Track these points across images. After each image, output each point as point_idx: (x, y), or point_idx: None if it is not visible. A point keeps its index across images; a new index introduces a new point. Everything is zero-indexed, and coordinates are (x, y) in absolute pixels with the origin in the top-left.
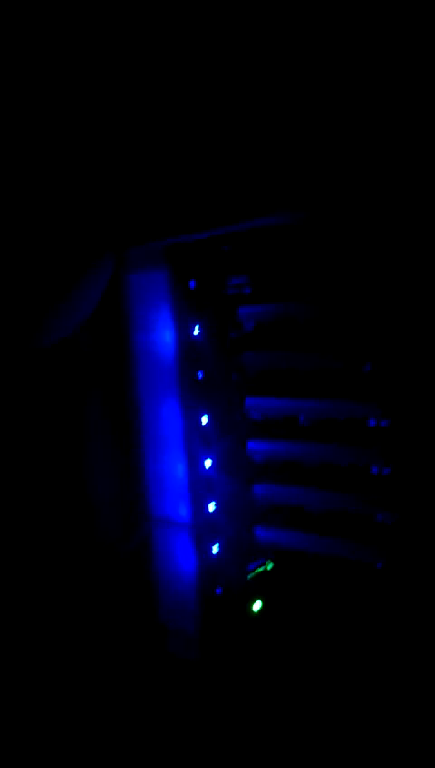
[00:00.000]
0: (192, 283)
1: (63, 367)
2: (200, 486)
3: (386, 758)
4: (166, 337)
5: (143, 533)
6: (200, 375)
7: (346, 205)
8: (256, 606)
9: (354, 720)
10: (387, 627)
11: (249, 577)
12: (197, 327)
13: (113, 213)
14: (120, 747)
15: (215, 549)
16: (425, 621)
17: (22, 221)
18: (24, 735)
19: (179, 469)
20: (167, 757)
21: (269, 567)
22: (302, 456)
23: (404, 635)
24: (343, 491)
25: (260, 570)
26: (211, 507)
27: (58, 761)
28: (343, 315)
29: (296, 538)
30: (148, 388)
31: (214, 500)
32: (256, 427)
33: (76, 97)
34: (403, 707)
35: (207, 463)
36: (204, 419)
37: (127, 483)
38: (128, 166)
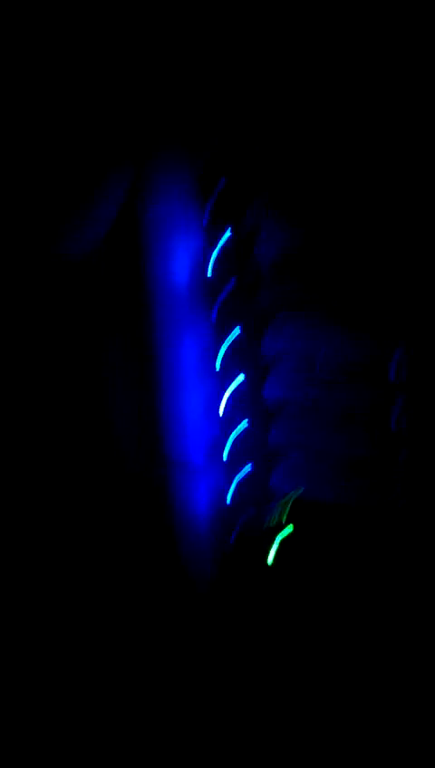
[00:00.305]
0: (222, 182)
1: (82, 294)
2: (214, 431)
3: (389, 722)
4: (192, 245)
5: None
6: (231, 286)
7: None
8: (272, 553)
9: (359, 677)
10: (398, 581)
11: (265, 526)
12: (228, 230)
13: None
14: (135, 678)
15: (229, 496)
16: None
17: (38, 124)
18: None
19: (195, 414)
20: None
21: (283, 519)
22: (317, 401)
23: (415, 592)
24: (361, 436)
25: (275, 518)
26: (226, 453)
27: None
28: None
29: (312, 484)
30: (165, 322)
31: (231, 445)
32: (274, 371)
33: None
34: (413, 672)
35: (222, 407)
36: (217, 363)
37: (143, 426)
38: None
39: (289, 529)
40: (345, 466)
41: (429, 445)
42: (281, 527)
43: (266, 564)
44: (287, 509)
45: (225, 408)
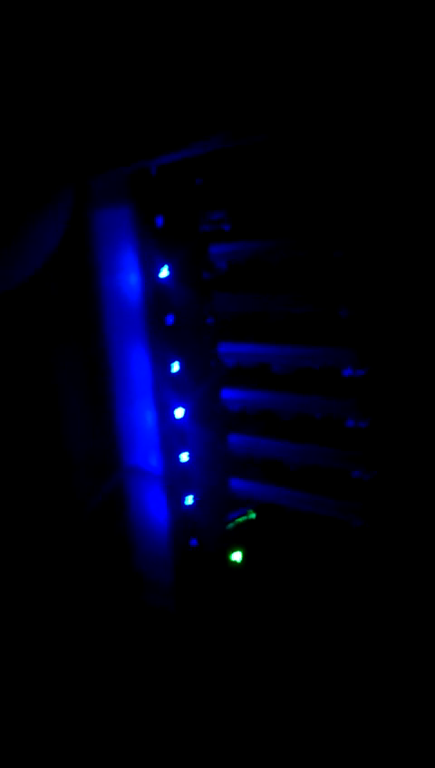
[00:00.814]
0: (159, 220)
1: (31, 311)
2: (172, 436)
3: (360, 719)
4: (131, 279)
5: (115, 482)
6: (170, 320)
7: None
8: (237, 556)
9: (329, 678)
10: (365, 584)
11: (230, 526)
12: (165, 268)
13: (71, 140)
14: (96, 699)
15: (189, 500)
16: (403, 582)
17: None
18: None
19: (149, 418)
20: (139, 710)
21: (252, 516)
22: (276, 406)
23: (382, 593)
24: (319, 444)
25: (242, 519)
26: (184, 457)
27: (33, 709)
28: (321, 255)
29: (272, 492)
30: (116, 333)
31: (187, 450)
32: (231, 375)
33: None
34: (378, 667)
35: (179, 411)
36: (175, 366)
37: (100, 431)
38: (86, 89)
39: (251, 515)
40: (304, 476)
41: (387, 455)
42: (242, 528)
43: (229, 566)
44: (248, 515)
45: (178, 420)
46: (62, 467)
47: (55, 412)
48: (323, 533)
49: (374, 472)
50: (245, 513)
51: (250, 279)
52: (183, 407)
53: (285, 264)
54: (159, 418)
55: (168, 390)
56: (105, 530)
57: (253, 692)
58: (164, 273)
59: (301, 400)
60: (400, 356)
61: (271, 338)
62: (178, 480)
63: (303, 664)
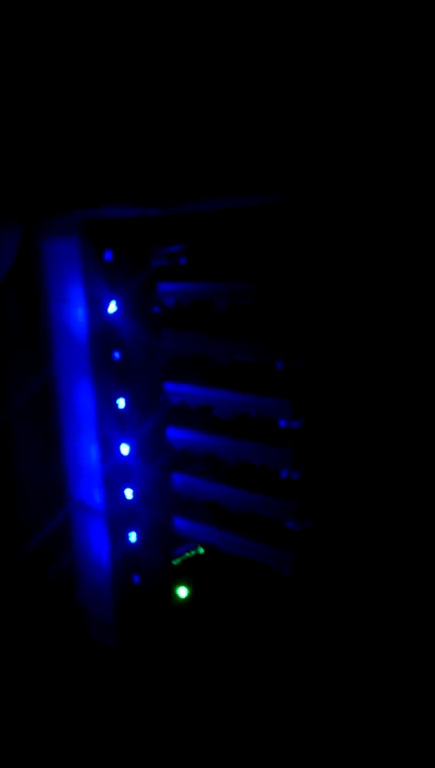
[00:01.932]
0: (108, 255)
1: None
2: (116, 472)
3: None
4: (78, 314)
5: (62, 516)
6: (117, 356)
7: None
8: (183, 592)
9: (272, 714)
10: (301, 626)
11: (175, 562)
12: (113, 303)
13: (20, 180)
14: (33, 737)
15: (132, 536)
16: (334, 627)
17: None
18: None
19: (93, 453)
20: (77, 748)
21: (201, 551)
22: (217, 449)
23: (318, 635)
24: (255, 492)
25: (190, 554)
26: (128, 494)
27: None
28: (266, 305)
29: (211, 534)
30: (64, 366)
31: (131, 487)
32: (176, 414)
33: None
34: (318, 705)
35: (124, 448)
36: (121, 402)
37: (49, 462)
38: (40, 131)
39: (200, 550)
40: (241, 521)
41: (320, 508)
42: (189, 563)
43: (174, 602)
44: (197, 550)
45: (123, 456)
46: (8, 497)
47: (4, 440)
48: (259, 577)
49: (307, 523)
50: (192, 548)
51: (197, 320)
52: (128, 443)
53: (230, 309)
54: (102, 454)
55: (113, 426)
56: (50, 563)
57: (192, 733)
58: (112, 307)
59: (239, 446)
60: (335, 410)
61: (213, 381)
62: (122, 516)
63: (243, 703)
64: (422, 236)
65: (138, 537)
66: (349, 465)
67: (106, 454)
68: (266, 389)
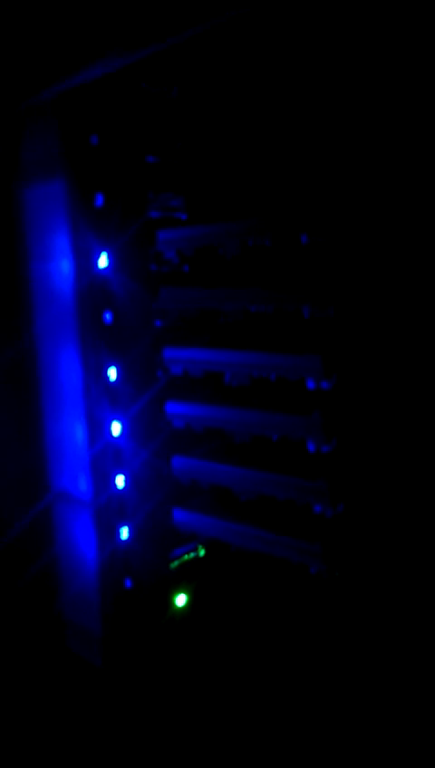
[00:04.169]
0: (99, 198)
1: None
2: (105, 455)
3: None
4: (64, 267)
5: (41, 509)
6: (108, 318)
7: None
8: (181, 600)
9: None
10: (324, 639)
11: (173, 565)
12: (104, 256)
13: None
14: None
15: (123, 532)
16: (367, 639)
17: None
18: None
19: (79, 433)
20: None
21: (201, 554)
22: (228, 424)
23: (343, 648)
24: (274, 471)
25: (189, 557)
26: (119, 481)
27: None
28: (284, 242)
29: (219, 526)
30: (45, 331)
31: (123, 473)
32: (177, 385)
33: None
34: (329, 727)
35: (115, 427)
36: (112, 373)
37: (26, 447)
38: None
39: (200, 552)
40: (256, 509)
41: (356, 487)
42: (188, 567)
43: (171, 612)
44: (197, 552)
45: (114, 438)
46: None
47: None
48: (277, 578)
49: (340, 507)
50: (192, 550)
51: (203, 271)
52: (120, 421)
53: (243, 253)
54: (89, 434)
55: (102, 401)
56: (26, 565)
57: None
58: (103, 261)
59: (255, 418)
60: (373, 366)
61: (223, 342)
62: (112, 508)
63: (251, 738)
64: None
65: (130, 533)
66: (388, 437)
67: (94, 434)
68: (290, 345)
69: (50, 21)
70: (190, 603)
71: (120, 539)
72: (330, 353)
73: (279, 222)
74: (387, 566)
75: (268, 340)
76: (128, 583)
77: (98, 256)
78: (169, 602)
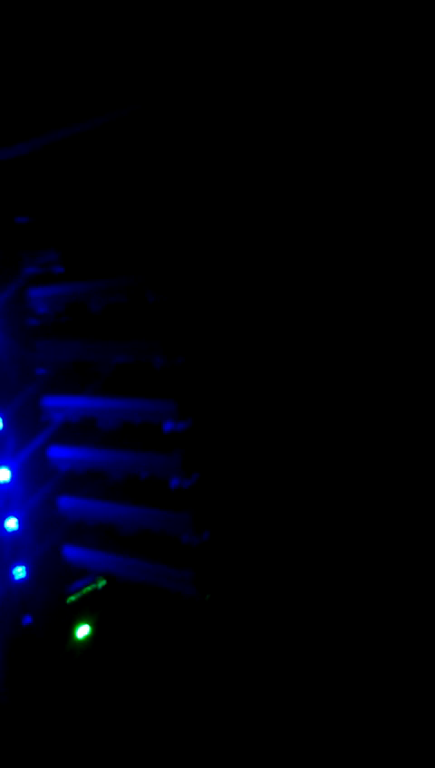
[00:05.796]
0: None
1: None
2: None
3: None
4: None
5: None
6: None
7: None
8: (84, 631)
9: None
10: (203, 653)
11: (72, 599)
12: None
13: None
14: None
15: (20, 572)
16: (246, 650)
17: None
18: None
19: None
20: None
21: (100, 585)
22: (103, 465)
23: (229, 669)
24: (145, 506)
25: (89, 588)
26: (11, 524)
27: None
28: (139, 299)
29: (105, 560)
30: None
31: (14, 515)
32: (59, 431)
33: None
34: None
35: (4, 473)
36: None
37: None
38: None
39: (101, 583)
40: (135, 542)
41: (218, 517)
42: (89, 599)
43: (73, 644)
44: (97, 583)
45: (2, 483)
46: None
47: None
48: (162, 603)
49: (205, 535)
50: (92, 582)
51: (72, 326)
52: (8, 467)
53: (107, 308)
54: None
55: None
56: None
57: None
58: None
59: (125, 458)
60: (224, 408)
61: (94, 390)
62: (5, 550)
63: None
64: (295, 224)
65: (27, 572)
66: (244, 468)
67: None
68: (149, 392)
69: None
70: (92, 634)
71: (14, 579)
72: (183, 397)
73: (128, 282)
74: (255, 585)
75: (132, 388)
76: (27, 620)
77: None
78: (70, 634)
